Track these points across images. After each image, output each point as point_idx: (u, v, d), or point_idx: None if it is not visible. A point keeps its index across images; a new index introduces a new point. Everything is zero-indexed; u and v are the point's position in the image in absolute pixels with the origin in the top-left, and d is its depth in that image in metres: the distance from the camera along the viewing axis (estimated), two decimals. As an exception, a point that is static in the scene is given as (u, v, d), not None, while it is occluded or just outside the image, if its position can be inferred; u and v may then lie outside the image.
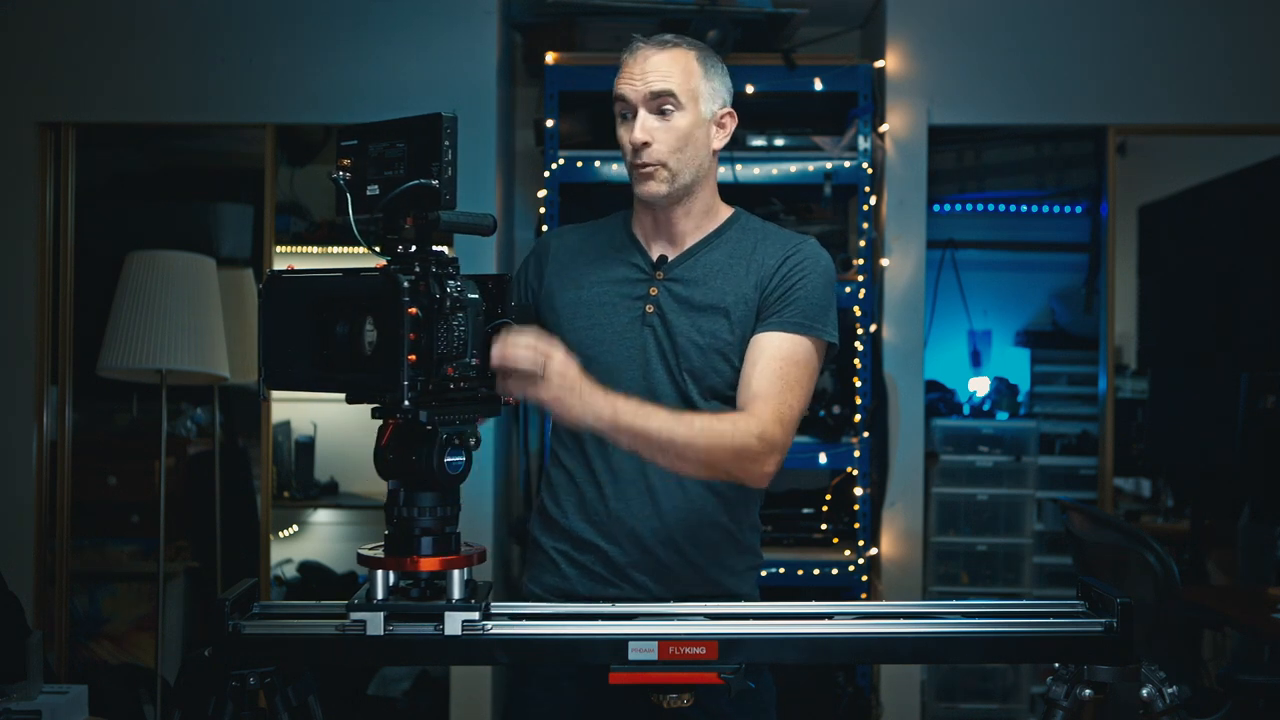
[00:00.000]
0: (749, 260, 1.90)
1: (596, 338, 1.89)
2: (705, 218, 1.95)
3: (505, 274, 1.52)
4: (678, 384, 1.88)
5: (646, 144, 1.84)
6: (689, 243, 1.94)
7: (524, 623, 1.47)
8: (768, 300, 1.87)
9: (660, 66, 1.86)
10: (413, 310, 1.36)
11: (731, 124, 1.96)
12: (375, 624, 1.43)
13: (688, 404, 1.86)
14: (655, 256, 1.93)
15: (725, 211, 1.98)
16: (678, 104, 1.85)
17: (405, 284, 1.35)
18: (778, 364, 1.83)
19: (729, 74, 1.99)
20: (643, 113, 1.85)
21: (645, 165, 1.86)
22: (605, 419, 1.66)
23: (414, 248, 1.42)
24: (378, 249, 1.46)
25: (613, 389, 1.83)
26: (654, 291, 1.90)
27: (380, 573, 1.46)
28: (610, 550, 1.88)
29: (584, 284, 1.94)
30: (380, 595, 1.46)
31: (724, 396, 1.89)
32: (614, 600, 1.73)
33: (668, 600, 1.79)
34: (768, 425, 1.77)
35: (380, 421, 1.47)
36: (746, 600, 1.91)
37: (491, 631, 1.44)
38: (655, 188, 1.87)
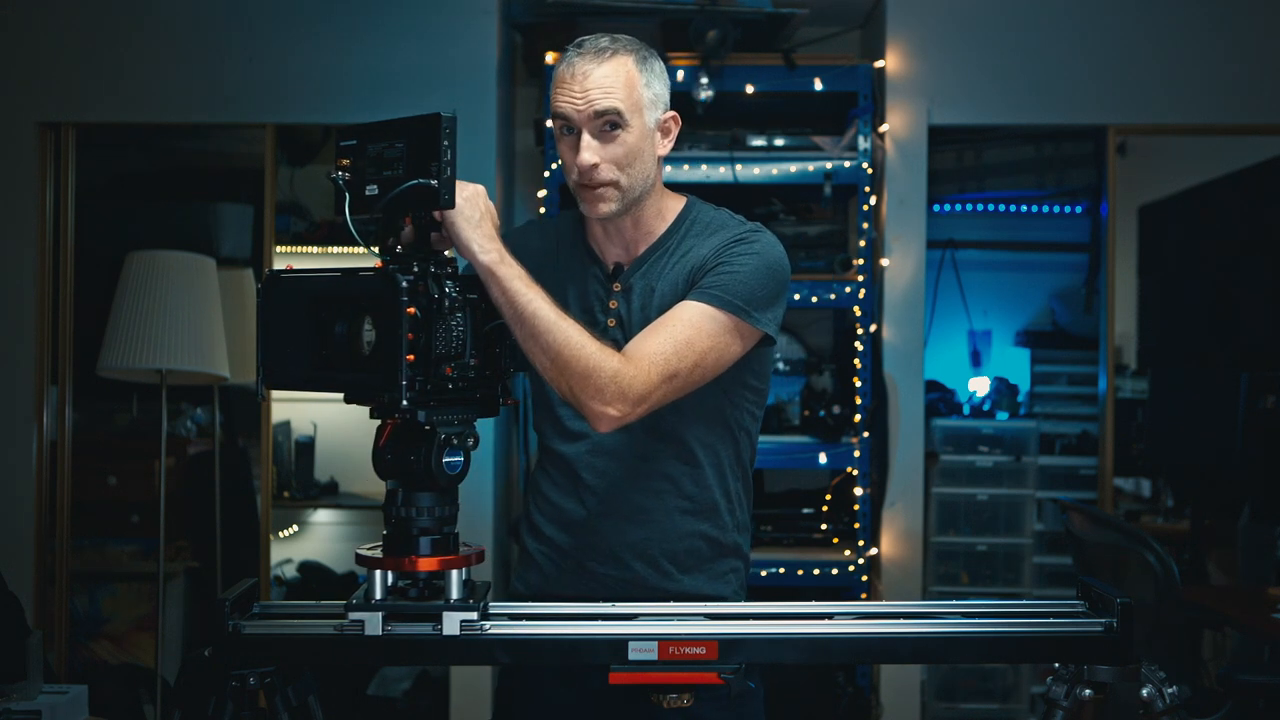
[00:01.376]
0: (696, 257, 1.83)
1: None
2: (656, 220, 1.88)
3: None
4: None
5: (595, 165, 1.75)
6: (641, 247, 1.87)
7: (523, 623, 1.48)
8: (694, 278, 1.79)
9: (602, 82, 1.75)
10: (411, 310, 1.36)
11: (675, 128, 1.86)
12: (373, 624, 1.43)
13: (656, 416, 1.79)
14: (611, 265, 1.88)
15: (675, 207, 1.90)
16: (623, 121, 1.75)
17: (404, 284, 1.35)
18: (681, 328, 1.71)
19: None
20: (586, 135, 1.75)
21: (594, 186, 1.77)
22: (485, 262, 1.56)
23: (410, 247, 1.42)
24: (376, 249, 1.46)
25: None
26: (614, 304, 1.86)
27: (378, 573, 1.46)
28: (587, 563, 1.86)
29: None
30: (378, 595, 1.46)
31: (690, 397, 1.80)
32: (596, 599, 1.72)
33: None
34: (635, 375, 1.65)
35: (379, 421, 1.47)
36: (725, 601, 1.87)
37: (490, 631, 1.44)
38: (605, 208, 1.79)
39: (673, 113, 1.85)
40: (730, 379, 1.83)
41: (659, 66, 1.84)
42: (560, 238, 1.95)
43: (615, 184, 1.78)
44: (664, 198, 1.89)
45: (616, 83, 1.76)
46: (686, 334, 1.71)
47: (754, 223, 1.88)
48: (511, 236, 1.94)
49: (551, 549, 1.90)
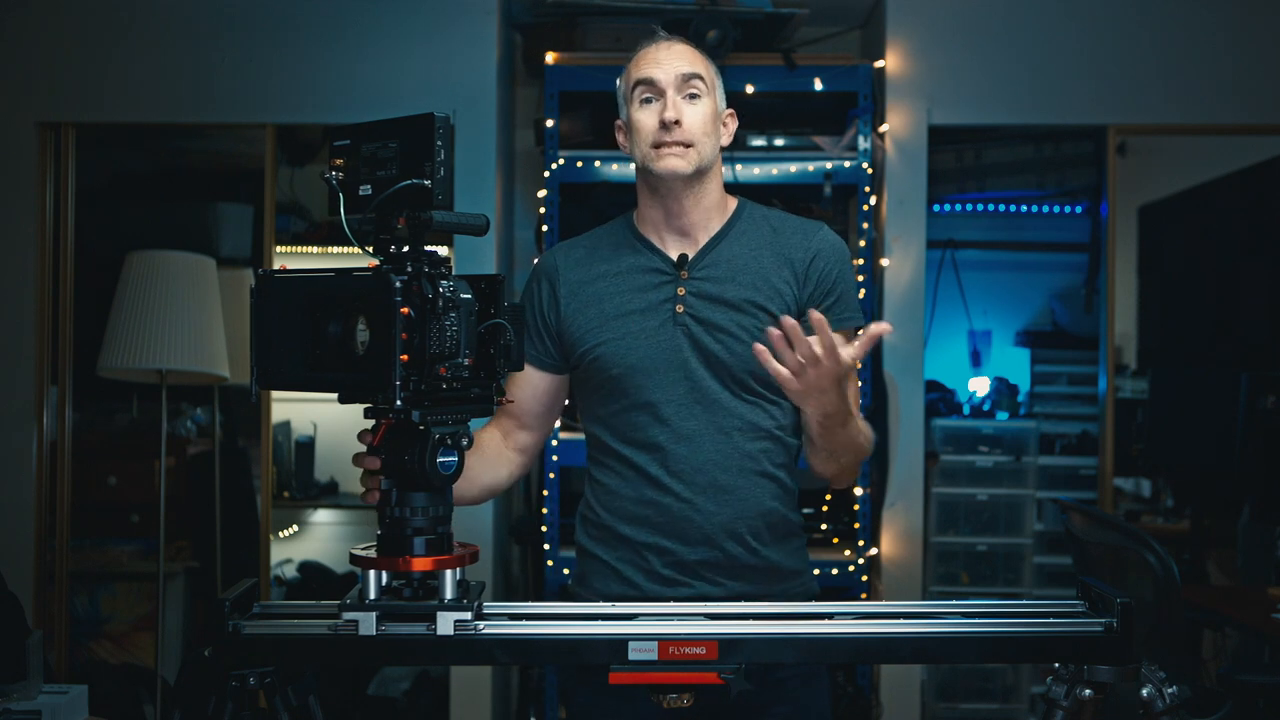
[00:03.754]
0: (772, 251, 1.93)
1: (629, 346, 1.90)
2: (715, 211, 1.96)
3: (498, 274, 1.52)
4: (721, 379, 1.89)
5: (678, 122, 1.87)
6: (703, 237, 1.95)
7: (521, 623, 1.47)
8: (812, 300, 1.92)
9: (686, 54, 1.92)
10: (405, 310, 1.36)
11: (733, 124, 2.00)
12: (367, 624, 1.43)
13: (733, 398, 1.90)
14: (675, 255, 1.94)
15: (732, 203, 2.01)
16: (704, 88, 1.91)
17: (398, 284, 1.35)
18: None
19: (728, 74, 2.04)
20: (672, 93, 1.89)
21: (675, 144, 1.88)
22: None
23: (406, 248, 1.42)
24: (370, 249, 1.46)
25: (655, 394, 1.88)
26: (681, 291, 1.91)
27: (373, 572, 1.46)
28: (679, 550, 1.89)
29: (604, 296, 1.94)
30: (372, 595, 1.46)
31: (773, 380, 1.90)
32: (686, 599, 1.79)
33: (738, 598, 1.83)
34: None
35: (373, 421, 1.47)
36: (805, 578, 2.00)
37: (484, 631, 1.44)
38: (680, 164, 1.88)
39: (730, 109, 2.00)
40: None
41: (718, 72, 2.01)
42: (609, 238, 2.01)
43: (692, 145, 1.89)
44: (724, 195, 2.00)
45: (697, 57, 1.94)
46: (849, 373, 1.92)
47: (812, 220, 2.01)
48: (553, 254, 2.04)
49: (629, 550, 1.92)
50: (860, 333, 1.92)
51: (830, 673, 3.72)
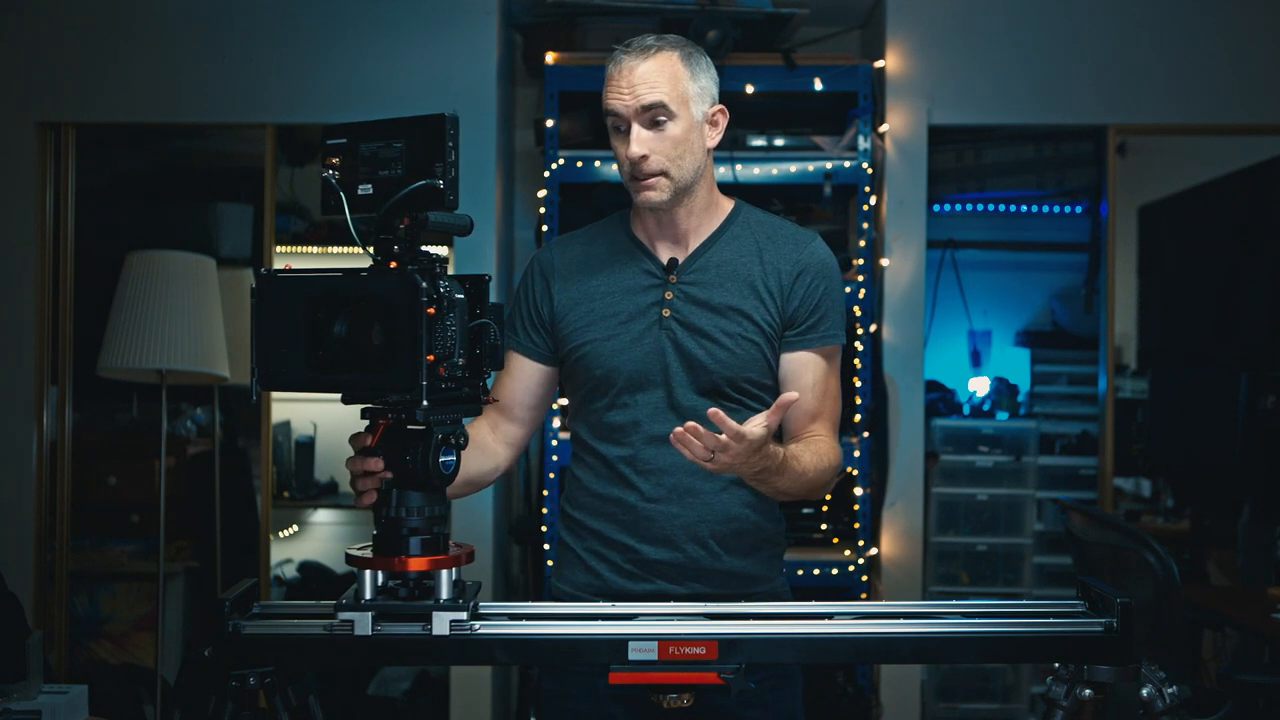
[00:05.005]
0: (761, 260, 1.93)
1: (614, 349, 1.91)
2: (707, 214, 1.96)
3: (484, 274, 1.52)
4: (699, 385, 1.90)
5: (644, 157, 1.85)
6: (695, 241, 1.95)
7: (519, 623, 1.47)
8: (797, 315, 1.92)
9: (648, 77, 1.84)
10: (431, 310, 1.36)
11: (723, 120, 1.95)
12: (363, 624, 1.43)
13: (710, 405, 1.87)
14: (665, 259, 1.95)
15: (726, 205, 2.00)
16: (669, 113, 1.85)
17: (423, 284, 1.35)
18: (824, 384, 1.93)
19: (717, 70, 1.98)
20: (636, 126, 1.85)
21: (644, 177, 1.86)
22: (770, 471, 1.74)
23: (404, 248, 1.42)
24: (370, 249, 1.46)
25: (636, 396, 1.90)
26: (669, 295, 1.92)
27: (368, 572, 1.46)
28: (642, 548, 1.91)
29: (595, 296, 1.95)
30: (368, 595, 1.46)
31: (753, 386, 1.92)
32: (647, 596, 1.81)
33: (698, 598, 1.82)
34: (838, 446, 1.93)
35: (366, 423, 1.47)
36: (774, 583, 1.98)
37: (479, 631, 1.44)
38: (656, 196, 1.88)
39: (720, 105, 1.94)
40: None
41: (705, 62, 1.93)
42: (604, 238, 2.01)
43: (665, 173, 1.87)
44: (716, 194, 1.98)
45: (661, 77, 1.85)
46: (828, 386, 1.95)
47: (806, 230, 1.99)
48: (550, 249, 2.05)
49: (599, 543, 1.94)
50: (826, 353, 1.94)
51: (826, 673, 3.73)
